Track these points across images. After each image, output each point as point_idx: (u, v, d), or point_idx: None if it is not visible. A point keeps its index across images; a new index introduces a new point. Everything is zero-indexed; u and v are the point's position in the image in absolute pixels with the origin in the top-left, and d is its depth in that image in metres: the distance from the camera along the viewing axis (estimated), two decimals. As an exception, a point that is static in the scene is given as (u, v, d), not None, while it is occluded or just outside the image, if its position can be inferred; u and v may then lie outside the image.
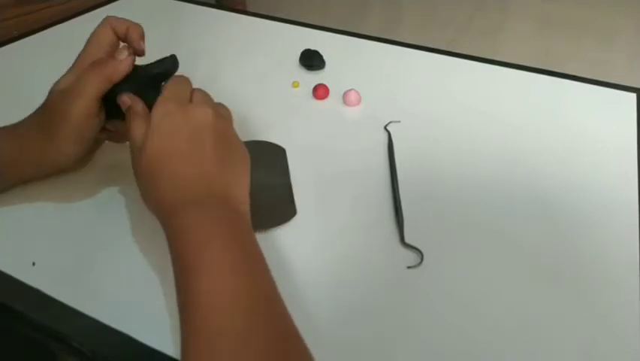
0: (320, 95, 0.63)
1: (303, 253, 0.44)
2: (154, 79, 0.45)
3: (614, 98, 0.64)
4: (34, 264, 0.42)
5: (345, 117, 0.61)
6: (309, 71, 0.69)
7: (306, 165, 0.53)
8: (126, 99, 0.43)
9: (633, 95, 0.64)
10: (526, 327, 0.38)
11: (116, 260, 0.43)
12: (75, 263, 0.43)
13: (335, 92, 0.64)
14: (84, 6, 0.86)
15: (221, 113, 0.43)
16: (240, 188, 0.41)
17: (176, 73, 0.46)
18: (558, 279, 0.42)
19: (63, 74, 0.46)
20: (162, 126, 0.40)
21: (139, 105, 0.43)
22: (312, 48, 0.70)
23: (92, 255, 0.44)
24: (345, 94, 0.62)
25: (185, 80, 0.44)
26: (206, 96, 0.43)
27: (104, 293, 0.40)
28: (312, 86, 0.64)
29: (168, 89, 0.42)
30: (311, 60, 0.68)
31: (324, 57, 0.69)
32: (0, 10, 1.00)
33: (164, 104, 0.41)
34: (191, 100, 0.43)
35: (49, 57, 0.72)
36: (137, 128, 0.41)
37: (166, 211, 0.38)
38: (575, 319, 0.39)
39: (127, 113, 0.43)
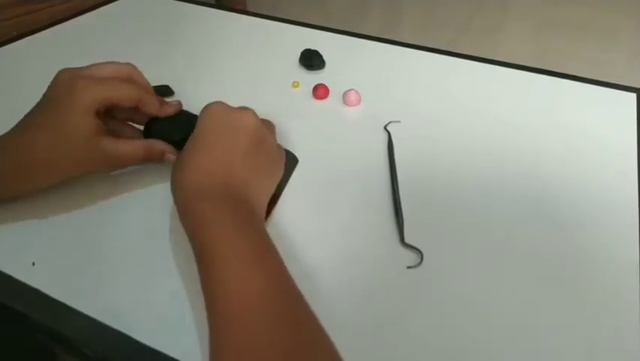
0: (320, 95, 0.63)
1: (302, 253, 0.44)
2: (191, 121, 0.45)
3: (614, 98, 0.64)
4: (34, 264, 0.42)
5: (345, 117, 0.61)
6: (309, 71, 0.69)
7: (306, 165, 0.53)
8: (171, 157, 0.47)
9: (633, 95, 0.64)
10: (526, 327, 0.38)
11: (116, 260, 0.43)
12: (75, 263, 0.43)
13: (335, 92, 0.64)
14: (84, 6, 0.87)
15: (265, 124, 0.45)
16: (261, 197, 0.43)
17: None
18: (558, 279, 0.42)
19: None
20: (204, 122, 0.42)
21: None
22: (312, 48, 0.70)
23: (92, 255, 0.44)
24: (345, 94, 0.62)
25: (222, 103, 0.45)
26: (250, 109, 0.45)
27: (104, 293, 0.40)
28: (312, 86, 0.64)
29: (210, 103, 0.44)
30: (311, 60, 0.68)
31: (324, 57, 0.69)
32: (0, 10, 1.00)
33: (213, 105, 0.43)
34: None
35: (49, 57, 0.72)
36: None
37: (187, 197, 0.39)
38: (575, 319, 0.39)
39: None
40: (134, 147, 0.46)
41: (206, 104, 0.43)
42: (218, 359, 0.32)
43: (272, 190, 0.44)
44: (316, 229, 0.46)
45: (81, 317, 0.39)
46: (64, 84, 0.44)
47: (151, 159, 0.47)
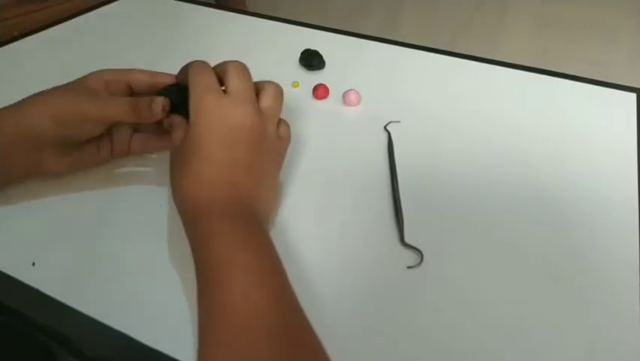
0: (320, 95, 0.63)
1: (302, 253, 0.44)
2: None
3: (614, 98, 0.64)
4: (34, 264, 0.42)
5: (345, 117, 0.61)
6: (309, 71, 0.69)
7: (306, 165, 0.53)
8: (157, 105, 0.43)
9: (633, 95, 0.64)
10: (526, 327, 0.38)
11: (116, 260, 0.43)
12: (75, 263, 0.43)
13: (335, 92, 0.64)
14: (84, 6, 0.86)
15: (261, 109, 0.42)
16: (266, 200, 0.42)
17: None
18: (558, 279, 0.42)
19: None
20: (200, 124, 0.40)
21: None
22: (312, 48, 0.70)
23: (92, 255, 0.44)
24: (345, 94, 0.62)
25: (205, 68, 0.43)
26: (244, 84, 0.42)
27: (104, 293, 0.40)
28: (312, 86, 0.64)
29: (196, 83, 0.41)
30: (311, 60, 0.68)
31: (324, 57, 0.69)
32: (0, 10, 1.00)
33: (205, 98, 0.40)
34: (223, 83, 0.42)
35: (49, 57, 0.72)
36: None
37: (190, 211, 0.38)
38: (575, 319, 0.39)
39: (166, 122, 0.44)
40: (119, 99, 0.45)
41: (192, 80, 0.41)
42: None
43: (277, 186, 0.43)
44: (316, 229, 0.46)
45: (81, 317, 0.39)
46: None
47: (139, 114, 0.44)
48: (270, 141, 0.43)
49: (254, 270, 0.35)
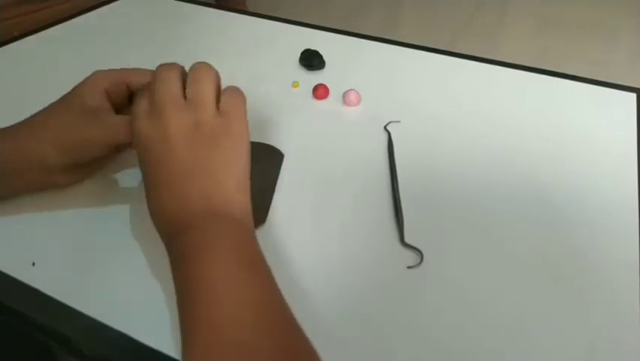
0: (320, 95, 0.63)
1: (302, 253, 0.44)
2: None
3: (614, 98, 0.64)
4: (34, 264, 0.42)
5: (345, 117, 0.61)
6: (309, 71, 0.69)
7: (306, 165, 0.53)
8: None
9: (633, 95, 0.64)
10: (526, 327, 0.38)
11: (116, 260, 0.43)
12: (75, 263, 0.43)
13: (335, 92, 0.64)
14: (84, 6, 0.86)
15: (231, 97, 0.41)
16: (242, 193, 0.40)
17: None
18: (558, 279, 0.42)
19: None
20: (147, 156, 0.39)
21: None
22: (312, 48, 0.70)
23: (92, 255, 0.44)
24: (345, 94, 0.62)
25: (171, 71, 0.41)
26: (199, 87, 0.40)
27: (103, 293, 0.40)
28: (312, 86, 0.64)
29: (159, 90, 0.40)
30: (311, 60, 0.68)
31: (324, 57, 0.69)
32: (0, 10, 1.00)
33: (139, 131, 0.39)
34: (185, 86, 0.41)
35: (49, 57, 0.72)
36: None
37: (167, 231, 0.38)
38: (575, 319, 0.39)
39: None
40: (121, 123, 0.44)
41: (156, 88, 0.40)
42: None
43: (247, 176, 0.41)
44: (316, 229, 0.46)
45: (81, 316, 0.39)
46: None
47: None
48: (228, 127, 0.41)
49: (241, 280, 0.34)
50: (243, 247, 0.37)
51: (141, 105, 0.41)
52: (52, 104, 0.45)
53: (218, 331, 0.31)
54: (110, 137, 0.44)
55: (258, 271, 0.36)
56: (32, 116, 0.45)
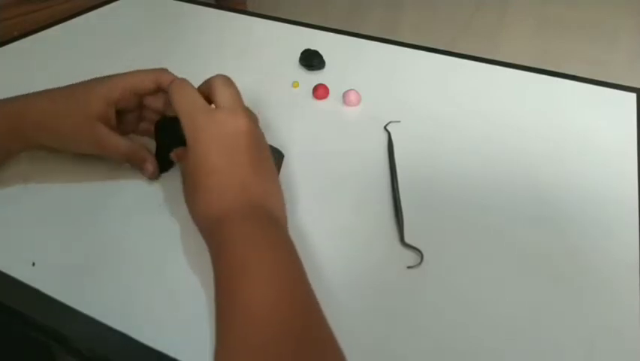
0: (320, 95, 0.63)
1: (302, 253, 0.43)
2: None
3: (614, 98, 0.64)
4: (34, 264, 0.42)
5: (345, 117, 0.61)
6: (309, 71, 0.69)
7: (306, 165, 0.53)
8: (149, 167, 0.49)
9: (633, 95, 0.64)
10: (527, 327, 0.38)
11: (116, 260, 0.43)
12: (75, 263, 0.43)
13: (335, 92, 0.64)
14: (84, 6, 0.86)
15: (251, 116, 0.43)
16: (277, 194, 0.42)
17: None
18: (558, 279, 0.42)
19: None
20: (199, 142, 0.40)
21: None
22: (312, 48, 0.70)
23: (92, 255, 0.44)
24: (345, 94, 0.62)
25: (184, 87, 0.43)
26: (232, 94, 0.43)
27: (104, 293, 0.40)
28: (312, 86, 0.64)
29: (181, 106, 0.42)
30: (311, 60, 0.68)
31: (324, 57, 0.69)
32: (0, 10, 1.00)
33: (199, 118, 0.41)
34: (212, 100, 0.43)
35: (49, 57, 0.72)
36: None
37: (208, 227, 0.38)
38: (575, 319, 0.39)
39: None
40: (121, 143, 0.48)
41: (177, 102, 0.42)
42: None
43: (279, 183, 0.43)
44: (316, 229, 0.46)
45: (81, 316, 0.39)
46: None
47: (132, 162, 0.49)
48: (265, 142, 0.44)
49: (273, 270, 0.35)
50: (278, 242, 0.38)
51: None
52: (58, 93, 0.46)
53: (250, 328, 0.32)
54: (96, 148, 0.47)
55: (295, 262, 0.37)
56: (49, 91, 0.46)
